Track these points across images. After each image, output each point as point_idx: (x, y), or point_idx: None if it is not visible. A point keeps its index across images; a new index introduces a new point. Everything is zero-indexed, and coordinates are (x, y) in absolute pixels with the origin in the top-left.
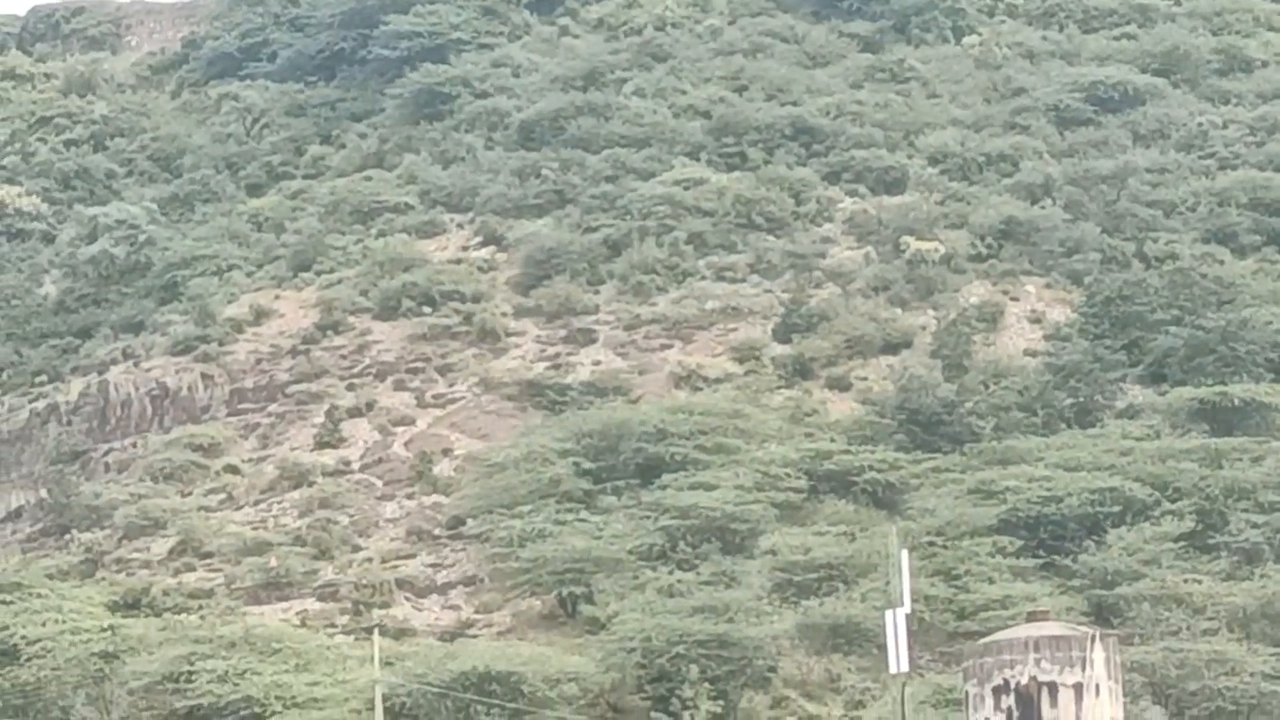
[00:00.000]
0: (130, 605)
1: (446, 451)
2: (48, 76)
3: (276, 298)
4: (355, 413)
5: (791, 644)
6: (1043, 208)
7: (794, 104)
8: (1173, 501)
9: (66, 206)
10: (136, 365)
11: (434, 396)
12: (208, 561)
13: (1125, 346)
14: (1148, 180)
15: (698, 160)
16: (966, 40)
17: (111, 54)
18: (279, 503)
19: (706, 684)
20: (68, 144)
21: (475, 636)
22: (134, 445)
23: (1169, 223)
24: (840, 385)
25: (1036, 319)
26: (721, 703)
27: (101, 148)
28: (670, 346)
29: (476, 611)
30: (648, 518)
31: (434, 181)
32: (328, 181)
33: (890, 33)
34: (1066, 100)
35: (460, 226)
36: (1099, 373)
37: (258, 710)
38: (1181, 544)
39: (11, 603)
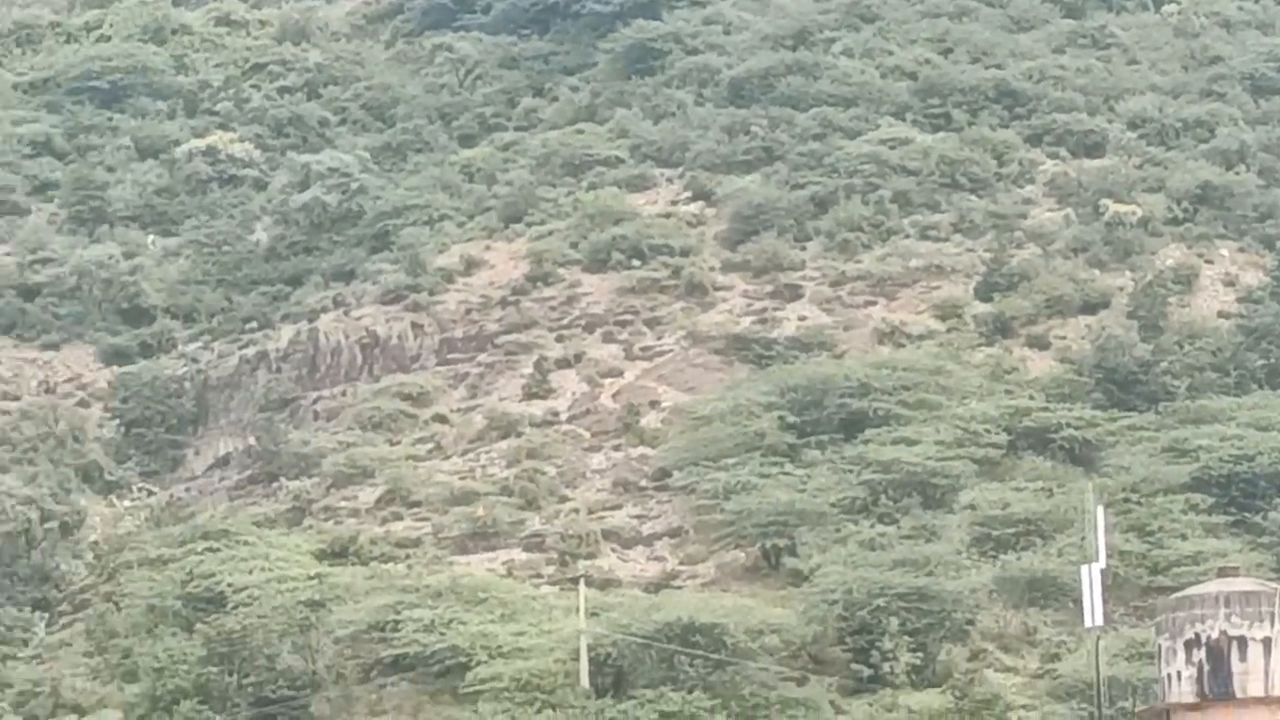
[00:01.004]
0: (337, 554)
1: (654, 403)
2: (262, 23)
3: (487, 248)
4: (564, 364)
5: (989, 597)
6: (1237, 174)
7: (998, 67)
8: None
9: (279, 153)
10: (347, 313)
11: (642, 349)
12: (415, 511)
13: None
14: None
15: (903, 120)
16: (1166, 8)
17: (326, 2)
18: (487, 453)
19: (906, 636)
20: (281, 91)
21: (679, 588)
22: (343, 393)
23: None
24: (1039, 344)
25: (1230, 282)
26: (920, 654)
27: (315, 95)
28: (874, 303)
29: (681, 563)
30: (850, 472)
31: (644, 136)
32: (539, 134)
33: None
34: (1262, 69)
35: (670, 181)
36: None
37: (463, 659)
38: None
39: (219, 550)
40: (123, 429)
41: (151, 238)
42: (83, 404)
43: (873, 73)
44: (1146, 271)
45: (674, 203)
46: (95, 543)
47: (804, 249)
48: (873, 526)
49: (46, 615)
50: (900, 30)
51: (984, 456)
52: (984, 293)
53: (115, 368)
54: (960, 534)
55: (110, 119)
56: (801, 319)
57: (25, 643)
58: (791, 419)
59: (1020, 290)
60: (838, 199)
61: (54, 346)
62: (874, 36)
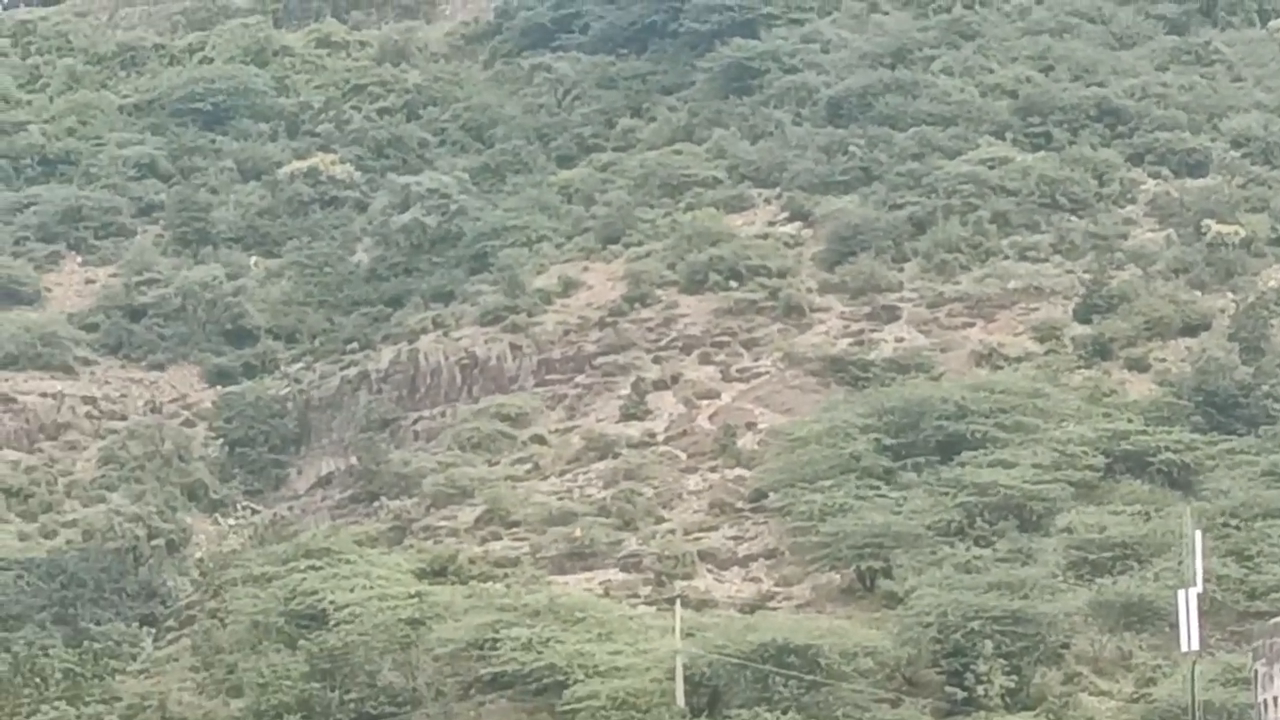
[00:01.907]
0: (437, 573)
1: (750, 425)
2: (362, 44)
3: (585, 269)
4: (661, 385)
5: (1085, 621)
6: None
7: (1099, 85)
8: None
9: (379, 175)
10: (446, 334)
11: (739, 370)
12: (514, 530)
13: None
14: None
15: (1003, 139)
16: (1271, 24)
17: (425, 23)
18: (584, 473)
19: (1001, 659)
20: (381, 112)
21: (775, 609)
22: (443, 414)
23: None
24: (1139, 366)
25: None
26: (1015, 678)
27: (414, 116)
28: (972, 325)
29: (776, 584)
30: (947, 494)
31: (742, 156)
32: (637, 154)
33: (1196, 15)
34: None
35: (767, 201)
36: None
37: (560, 678)
38: None
39: (321, 568)
40: (227, 448)
41: (254, 259)
42: (188, 423)
43: (972, 91)
44: (1249, 293)
45: (771, 223)
46: (201, 560)
47: (901, 270)
48: (968, 549)
49: (154, 631)
50: (1000, 48)
51: (1081, 480)
52: (1083, 314)
53: (220, 388)
54: (1056, 557)
55: (213, 140)
56: (899, 340)
57: (134, 657)
58: (888, 441)
59: (1120, 312)
60: (936, 219)
61: (160, 367)
62: (974, 54)
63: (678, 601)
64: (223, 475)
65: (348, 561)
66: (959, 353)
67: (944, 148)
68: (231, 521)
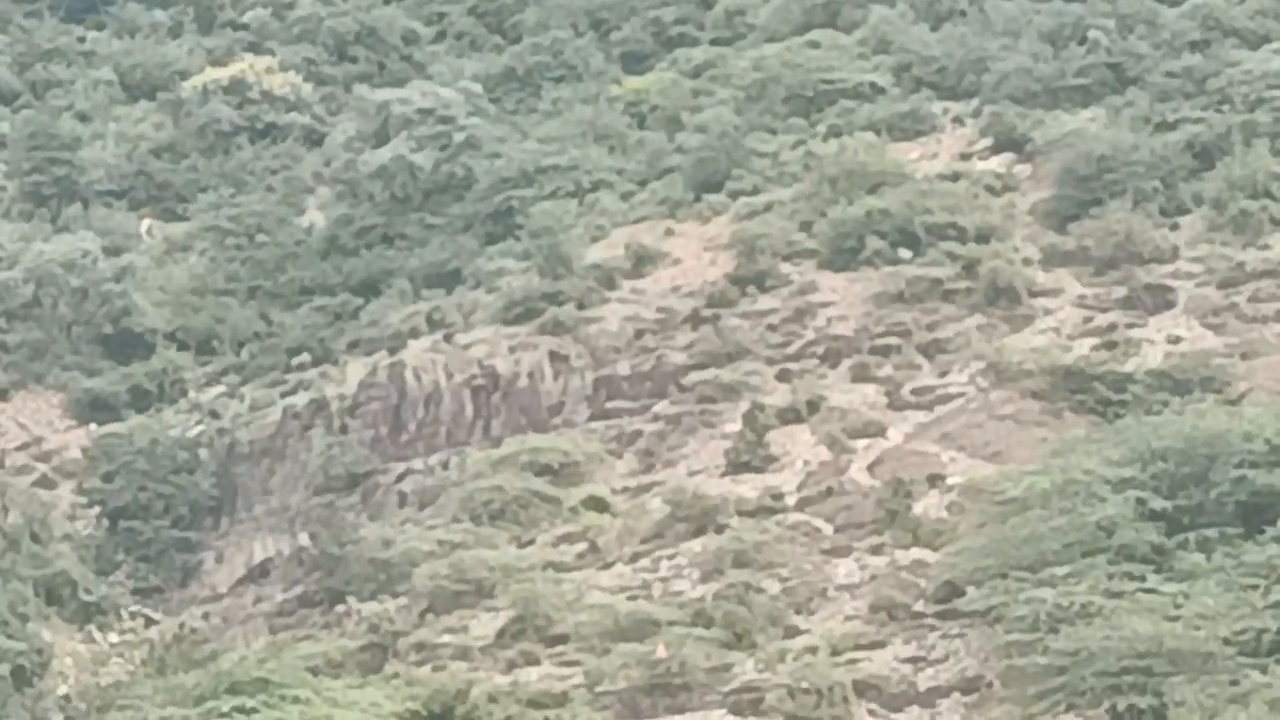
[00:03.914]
0: (438, 716)
1: (935, 479)
2: None
3: (668, 233)
4: (791, 416)
5: None
6: None
7: None
8: None
9: (342, 89)
10: (449, 339)
11: (915, 392)
12: (559, 650)
13: None
14: None
15: None
16: None
17: None
18: (670, 558)
19: None
20: None
21: None
22: (444, 466)
23: None
24: None
25: None
26: None
27: None
28: None
29: None
30: (1255, 587)
31: (916, 49)
32: (748, 49)
33: None
34: None
35: (959, 121)
36: None
37: None
38: None
39: (255, 710)
40: (106, 522)
41: (147, 224)
42: (44, 483)
43: None
44: None
45: (965, 156)
46: (66, 697)
47: (1175, 227)
48: None
49: None
50: None
51: None
52: None
53: (93, 426)
54: None
55: (82, 39)
56: (1173, 341)
57: None
58: (1158, 504)
59: None
60: (1230, 146)
61: (0, 394)
62: None
63: None
64: (100, 564)
65: (297, 700)
66: (1271, 359)
67: (1242, 30)
68: (114, 637)
